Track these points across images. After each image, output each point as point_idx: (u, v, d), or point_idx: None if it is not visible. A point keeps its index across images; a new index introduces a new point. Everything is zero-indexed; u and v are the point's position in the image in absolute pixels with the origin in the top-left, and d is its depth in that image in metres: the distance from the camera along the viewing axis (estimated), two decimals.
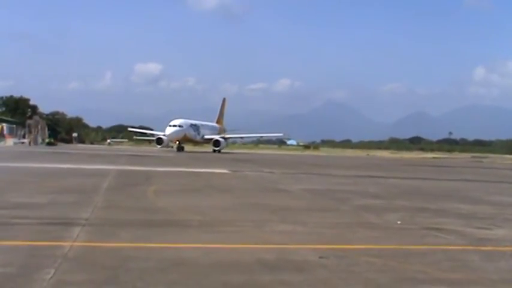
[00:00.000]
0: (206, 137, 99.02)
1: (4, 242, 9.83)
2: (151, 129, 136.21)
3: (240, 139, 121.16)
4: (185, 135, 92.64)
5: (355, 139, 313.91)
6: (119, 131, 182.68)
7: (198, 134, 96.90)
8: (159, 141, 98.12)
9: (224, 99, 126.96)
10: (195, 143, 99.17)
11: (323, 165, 56.03)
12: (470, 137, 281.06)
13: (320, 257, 9.42)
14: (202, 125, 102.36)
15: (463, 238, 12.35)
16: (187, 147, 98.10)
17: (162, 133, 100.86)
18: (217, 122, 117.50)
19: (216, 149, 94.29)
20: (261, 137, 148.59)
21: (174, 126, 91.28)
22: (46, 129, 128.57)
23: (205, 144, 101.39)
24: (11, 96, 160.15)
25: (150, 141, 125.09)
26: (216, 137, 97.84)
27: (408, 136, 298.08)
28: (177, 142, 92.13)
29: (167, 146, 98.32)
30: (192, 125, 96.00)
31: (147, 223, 12.64)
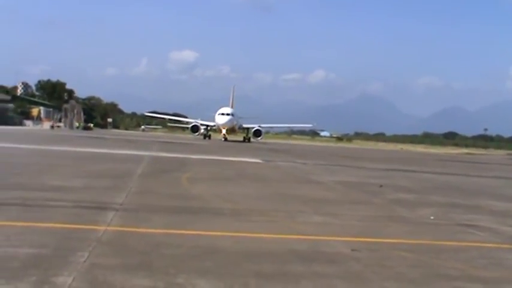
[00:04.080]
0: (244, 125, 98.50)
1: (40, 223, 9.97)
2: (186, 117, 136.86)
3: (270, 129, 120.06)
4: (234, 124, 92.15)
5: (388, 132, 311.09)
6: (153, 118, 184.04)
7: (237, 122, 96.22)
8: (194, 128, 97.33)
9: (233, 87, 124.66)
10: (233, 131, 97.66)
11: (356, 158, 55.74)
12: (506, 133, 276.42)
13: (352, 250, 9.39)
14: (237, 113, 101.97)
15: (497, 236, 12.20)
16: (216, 136, 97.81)
17: (194, 120, 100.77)
18: None
19: (258, 138, 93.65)
20: (289, 127, 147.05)
21: (228, 114, 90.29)
22: (82, 113, 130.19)
23: (239, 133, 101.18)
24: (48, 80, 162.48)
25: (183, 128, 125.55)
26: (256, 126, 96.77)
27: (443, 131, 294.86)
28: (225, 131, 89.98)
29: (201, 134, 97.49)
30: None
31: (180, 210, 12.72)
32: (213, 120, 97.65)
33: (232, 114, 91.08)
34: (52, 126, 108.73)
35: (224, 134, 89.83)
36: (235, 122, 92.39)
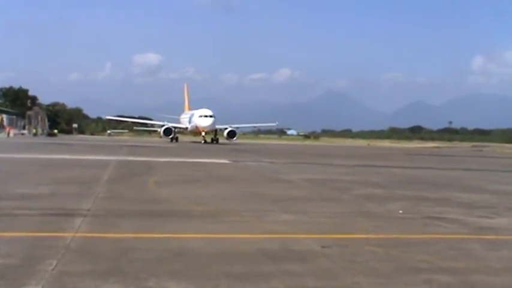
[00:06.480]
0: (217, 126, 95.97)
1: (6, 233, 9.83)
2: (151, 120, 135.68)
3: (237, 129, 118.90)
4: (215, 126, 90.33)
5: (355, 129, 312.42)
6: (117, 121, 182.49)
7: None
8: (167, 131, 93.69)
9: (186, 85, 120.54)
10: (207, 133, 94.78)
11: (323, 155, 56.00)
12: (470, 126, 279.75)
13: (322, 247, 9.42)
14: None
15: (465, 227, 12.34)
16: (182, 138, 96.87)
17: (162, 122, 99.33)
18: (188, 110, 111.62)
19: (233, 139, 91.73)
20: (255, 126, 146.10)
21: (211, 116, 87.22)
22: (46, 120, 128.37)
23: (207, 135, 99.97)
24: (11, 87, 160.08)
25: (150, 131, 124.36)
26: (227, 127, 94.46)
27: (408, 125, 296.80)
28: (204, 133, 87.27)
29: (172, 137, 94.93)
30: None
31: (149, 213, 12.64)
32: (175, 122, 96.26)
33: (214, 116, 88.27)
34: (8, 134, 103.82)
35: (203, 136, 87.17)
36: (215, 124, 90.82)
